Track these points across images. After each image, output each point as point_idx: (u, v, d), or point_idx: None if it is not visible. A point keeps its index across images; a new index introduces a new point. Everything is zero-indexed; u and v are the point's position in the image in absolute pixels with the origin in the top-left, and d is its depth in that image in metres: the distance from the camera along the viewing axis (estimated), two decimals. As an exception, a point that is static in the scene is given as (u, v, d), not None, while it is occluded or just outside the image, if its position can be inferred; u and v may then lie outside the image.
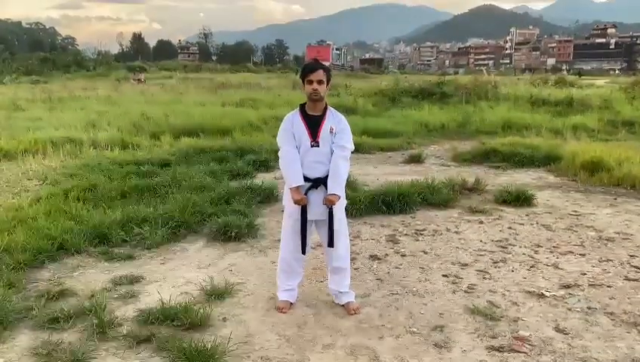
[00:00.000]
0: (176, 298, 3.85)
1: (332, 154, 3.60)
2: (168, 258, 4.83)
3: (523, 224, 5.93)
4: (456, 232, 5.62)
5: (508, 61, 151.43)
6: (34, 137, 10.69)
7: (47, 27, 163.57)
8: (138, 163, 8.48)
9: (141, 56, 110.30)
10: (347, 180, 4.66)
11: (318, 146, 3.58)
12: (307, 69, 3.58)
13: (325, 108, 3.64)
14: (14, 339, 3.32)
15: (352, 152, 3.72)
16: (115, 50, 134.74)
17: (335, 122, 3.63)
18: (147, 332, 3.34)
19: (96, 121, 13.35)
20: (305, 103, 3.66)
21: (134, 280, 4.27)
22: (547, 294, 4.06)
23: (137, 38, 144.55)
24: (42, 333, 3.37)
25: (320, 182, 3.61)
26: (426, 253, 5.00)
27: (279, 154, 3.68)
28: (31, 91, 24.47)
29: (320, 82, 3.52)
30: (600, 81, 39.56)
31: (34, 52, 78.81)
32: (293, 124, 3.62)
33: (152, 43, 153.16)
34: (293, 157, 3.58)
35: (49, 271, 4.44)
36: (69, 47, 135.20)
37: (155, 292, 4.00)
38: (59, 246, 4.78)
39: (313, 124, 3.59)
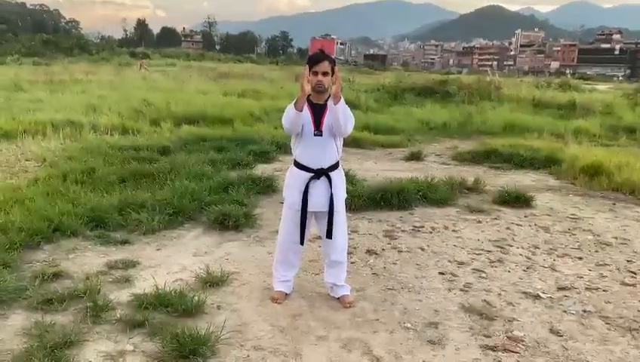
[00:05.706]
0: (171, 284, 3.84)
1: (334, 144, 3.59)
2: (164, 244, 4.81)
3: (521, 225, 5.91)
4: (454, 231, 5.61)
5: (512, 63, 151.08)
6: (34, 118, 10.66)
7: (52, 9, 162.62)
8: (137, 148, 8.44)
9: (144, 42, 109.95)
10: (346, 174, 4.65)
11: (322, 135, 3.55)
12: (312, 60, 3.53)
13: (329, 98, 3.61)
14: (7, 319, 3.31)
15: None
16: (118, 35, 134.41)
17: None
18: (141, 317, 3.33)
19: (97, 105, 13.29)
20: None
21: (129, 264, 4.26)
22: (543, 296, 4.05)
23: (141, 25, 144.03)
24: (35, 314, 3.36)
25: (322, 173, 3.59)
26: (423, 249, 4.99)
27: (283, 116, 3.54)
28: (33, 72, 24.37)
29: (325, 74, 3.48)
30: (602, 87, 39.45)
31: (37, 33, 78.38)
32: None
33: (155, 30, 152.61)
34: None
35: (44, 253, 4.43)
36: (73, 30, 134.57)
37: (149, 277, 3.99)
38: (55, 228, 4.76)
39: (317, 113, 3.56)
